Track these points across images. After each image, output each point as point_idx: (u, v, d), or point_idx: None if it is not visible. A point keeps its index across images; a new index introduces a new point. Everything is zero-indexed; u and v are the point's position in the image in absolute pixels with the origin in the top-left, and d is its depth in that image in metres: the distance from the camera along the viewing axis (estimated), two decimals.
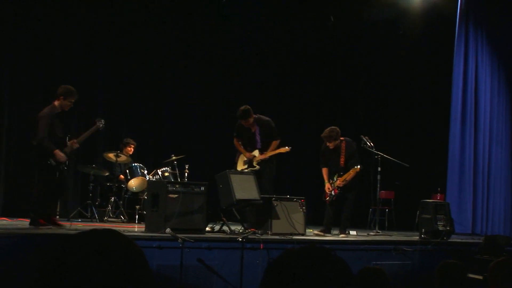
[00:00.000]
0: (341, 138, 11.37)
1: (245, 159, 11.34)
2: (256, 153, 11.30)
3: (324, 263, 1.94)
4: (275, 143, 11.30)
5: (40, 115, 9.90)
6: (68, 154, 10.01)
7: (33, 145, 9.89)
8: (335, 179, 11.27)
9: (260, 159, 11.22)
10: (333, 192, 11.23)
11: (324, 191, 11.44)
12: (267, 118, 11.47)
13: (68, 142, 10.16)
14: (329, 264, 1.95)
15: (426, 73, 15.53)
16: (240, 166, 11.39)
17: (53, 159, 9.79)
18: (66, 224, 10.14)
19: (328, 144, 11.31)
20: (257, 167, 11.20)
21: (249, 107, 11.26)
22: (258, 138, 11.34)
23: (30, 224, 9.65)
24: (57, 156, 9.80)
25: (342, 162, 11.28)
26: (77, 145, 10.18)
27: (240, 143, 11.50)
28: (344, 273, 1.97)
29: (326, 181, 11.39)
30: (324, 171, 11.47)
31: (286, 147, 11.29)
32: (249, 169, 11.20)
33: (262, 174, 11.16)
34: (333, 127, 11.38)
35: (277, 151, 11.31)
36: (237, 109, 11.23)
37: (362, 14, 16.24)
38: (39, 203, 9.87)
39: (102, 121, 10.53)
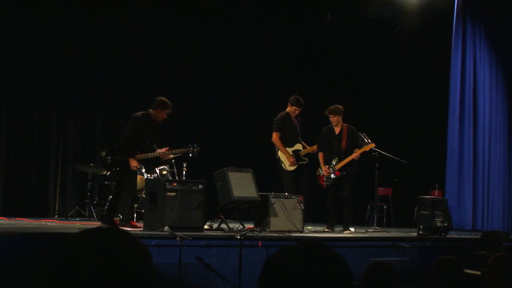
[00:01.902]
0: (344, 125, 11.47)
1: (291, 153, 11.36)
2: (299, 146, 11.40)
3: (321, 259, 1.94)
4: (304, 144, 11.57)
5: (132, 117, 10.23)
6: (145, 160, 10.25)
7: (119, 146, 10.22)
8: (334, 163, 11.35)
9: (306, 153, 11.39)
10: (333, 175, 11.29)
11: (317, 175, 11.54)
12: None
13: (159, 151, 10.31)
14: (327, 260, 1.95)
15: (424, 69, 15.54)
16: (287, 163, 11.38)
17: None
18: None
19: (332, 118, 11.37)
20: (306, 160, 11.37)
21: None
22: (299, 131, 11.48)
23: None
24: (131, 163, 9.98)
25: (343, 146, 11.39)
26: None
27: (280, 140, 11.46)
28: (342, 269, 1.97)
29: (322, 164, 11.44)
30: (321, 156, 11.53)
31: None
32: (298, 163, 11.30)
33: (304, 168, 11.37)
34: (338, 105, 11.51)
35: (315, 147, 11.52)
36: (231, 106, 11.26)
37: (359, 12, 16.24)
38: (123, 205, 10.09)
39: (195, 146, 10.57)
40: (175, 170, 13.01)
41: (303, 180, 11.44)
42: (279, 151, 11.44)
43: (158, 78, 15.33)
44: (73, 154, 14.47)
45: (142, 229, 9.73)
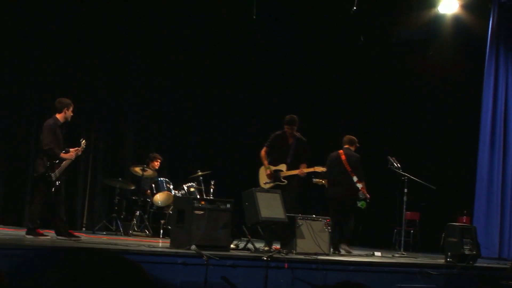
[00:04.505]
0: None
1: (268, 172, 11.27)
2: (283, 167, 11.25)
3: None
4: (303, 165, 11.26)
5: (44, 125, 10.16)
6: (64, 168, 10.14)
7: (40, 157, 10.13)
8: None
9: (288, 175, 11.20)
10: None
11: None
12: (305, 139, 11.49)
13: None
14: None
15: (456, 94, 15.45)
16: (264, 179, 11.31)
17: (54, 174, 9.97)
18: (50, 232, 10.17)
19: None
20: (285, 182, 11.16)
21: None
22: (291, 152, 11.33)
23: (27, 235, 9.80)
24: (66, 156, 10.13)
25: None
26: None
27: (266, 155, 11.44)
28: None
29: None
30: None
31: (322, 167, 11.33)
32: (275, 183, 11.15)
33: (287, 190, 11.13)
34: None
35: (313, 169, 11.33)
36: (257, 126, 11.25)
37: (391, 34, 16.21)
38: (36, 213, 10.03)
39: (84, 142, 10.57)
40: (203, 187, 13.06)
41: (287, 202, 11.17)
42: (261, 168, 11.42)
43: (187, 95, 15.38)
44: (102, 168, 14.57)
45: (48, 237, 9.83)
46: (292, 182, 11.21)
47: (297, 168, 11.19)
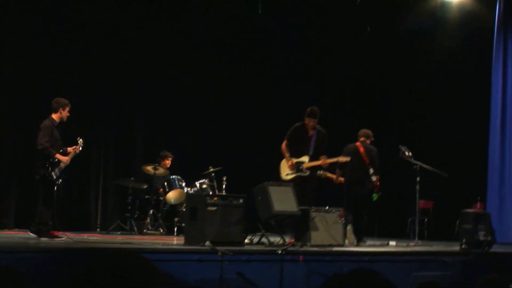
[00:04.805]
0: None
1: (290, 164, 11.30)
2: (305, 159, 11.32)
3: (371, 286, 1.93)
4: (324, 156, 11.36)
5: (41, 126, 10.19)
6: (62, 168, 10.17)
7: (39, 159, 10.15)
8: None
9: (310, 166, 11.26)
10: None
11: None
12: (325, 131, 11.54)
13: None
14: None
15: (465, 83, 15.37)
16: (285, 171, 11.35)
17: (54, 172, 9.99)
18: (65, 234, 10.14)
19: (308, 122, 11.38)
20: (307, 172, 11.23)
21: None
22: (312, 144, 11.38)
23: (41, 237, 9.84)
24: (61, 158, 10.12)
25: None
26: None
27: (287, 148, 11.45)
28: None
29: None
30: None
31: (346, 157, 11.41)
32: (297, 174, 11.19)
33: (308, 181, 11.23)
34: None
35: (337, 159, 11.43)
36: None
37: (398, 24, 16.14)
38: (45, 215, 10.04)
39: (81, 141, 10.58)
40: (215, 184, 13.08)
41: (305, 193, 11.27)
42: (283, 160, 11.45)
43: (196, 91, 15.37)
44: (114, 169, 14.61)
45: (64, 238, 9.86)
46: (314, 173, 11.38)
47: (317, 159, 11.29)
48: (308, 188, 11.23)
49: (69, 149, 10.42)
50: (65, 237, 9.97)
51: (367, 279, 1.97)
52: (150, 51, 14.94)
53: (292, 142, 11.48)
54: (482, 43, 14.84)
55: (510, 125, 14.21)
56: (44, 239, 9.75)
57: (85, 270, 1.87)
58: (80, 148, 10.53)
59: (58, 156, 10.11)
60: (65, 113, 10.36)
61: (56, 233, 10.03)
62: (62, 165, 10.16)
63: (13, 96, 13.40)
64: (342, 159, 11.50)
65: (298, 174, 11.24)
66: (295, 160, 11.32)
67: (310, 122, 11.37)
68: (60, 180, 10.19)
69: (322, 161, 11.38)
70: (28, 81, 13.45)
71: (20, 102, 13.44)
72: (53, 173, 10.01)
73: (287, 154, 11.42)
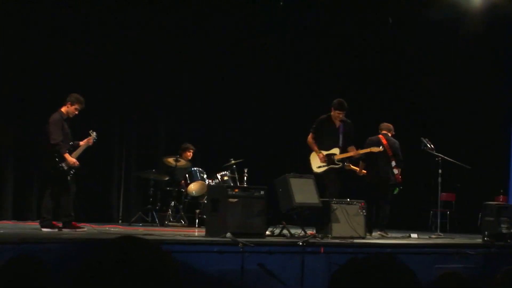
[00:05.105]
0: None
1: (322, 156, 11.27)
2: (336, 151, 11.28)
3: (389, 270, 1.92)
4: (352, 147, 11.35)
5: (50, 120, 10.08)
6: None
7: (47, 150, 10.10)
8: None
9: (342, 157, 11.26)
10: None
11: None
12: (351, 121, 11.52)
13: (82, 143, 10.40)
14: (394, 271, 1.93)
15: (487, 73, 15.27)
16: (317, 163, 11.31)
17: (65, 163, 9.97)
18: (87, 225, 10.19)
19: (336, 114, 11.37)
20: (340, 164, 11.21)
21: None
22: (341, 136, 11.36)
23: (64, 228, 9.84)
24: (69, 160, 10.00)
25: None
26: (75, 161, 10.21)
27: (314, 141, 11.42)
28: (410, 280, 1.95)
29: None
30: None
31: (379, 148, 11.40)
32: (330, 166, 11.17)
33: (341, 173, 11.24)
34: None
35: (370, 149, 11.41)
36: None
37: (420, 14, 16.04)
38: (66, 208, 10.04)
39: (94, 133, 10.51)
40: (236, 175, 13.09)
41: (335, 185, 11.26)
42: (312, 153, 11.40)
43: (216, 83, 15.39)
44: (136, 161, 14.67)
45: (85, 229, 9.93)
46: (344, 165, 11.31)
47: (346, 151, 11.27)
48: (339, 179, 11.25)
49: (81, 142, 10.40)
50: (87, 228, 10.02)
51: (383, 261, 1.95)
52: (168, 42, 14.97)
53: (319, 135, 11.43)
54: (505, 32, 14.72)
55: None
56: (66, 230, 9.79)
57: (93, 260, 1.86)
58: (93, 141, 10.49)
59: (67, 156, 10.03)
60: (71, 108, 10.20)
61: (78, 224, 10.08)
62: (70, 163, 10.09)
63: (11, 90, 13.42)
64: (375, 149, 11.47)
65: (330, 166, 11.22)
66: (325, 153, 11.29)
67: (339, 114, 11.33)
68: (73, 172, 10.14)
69: (354, 152, 11.36)
70: (25, 76, 13.49)
71: (18, 94, 13.49)
72: (63, 164, 9.99)
73: (315, 147, 11.36)
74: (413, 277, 1.98)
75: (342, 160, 11.32)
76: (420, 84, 16.50)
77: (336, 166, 11.22)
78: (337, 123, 11.41)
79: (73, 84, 13.21)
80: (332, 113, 11.40)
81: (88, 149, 10.51)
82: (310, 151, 11.50)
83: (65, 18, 13.80)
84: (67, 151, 10.10)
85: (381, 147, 11.52)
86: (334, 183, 11.20)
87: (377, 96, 16.54)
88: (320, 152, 11.27)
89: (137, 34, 14.59)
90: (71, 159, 10.08)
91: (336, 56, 16.50)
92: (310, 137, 11.45)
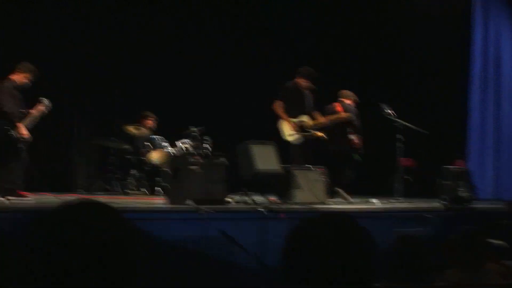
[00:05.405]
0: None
1: (293, 125, 11.25)
2: (305, 118, 11.29)
3: (344, 230, 1.95)
4: (317, 114, 11.41)
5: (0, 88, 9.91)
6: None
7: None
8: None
9: (313, 125, 11.29)
10: None
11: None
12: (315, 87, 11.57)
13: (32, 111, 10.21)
14: (350, 231, 1.96)
15: (444, 39, 15.33)
16: (288, 132, 11.28)
17: (15, 131, 9.84)
18: (31, 195, 10.10)
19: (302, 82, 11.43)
20: (310, 132, 11.22)
21: None
22: (307, 103, 11.37)
23: (7, 196, 9.56)
24: (22, 131, 9.89)
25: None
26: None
27: (283, 108, 11.39)
28: (365, 239, 1.98)
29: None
30: None
31: (347, 113, 11.47)
32: (302, 134, 11.18)
33: (312, 140, 11.28)
34: None
35: (337, 116, 11.47)
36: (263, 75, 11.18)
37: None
38: (13, 174, 9.91)
39: (46, 100, 10.37)
40: (198, 143, 13.04)
41: (309, 154, 11.32)
42: (281, 121, 11.38)
43: (175, 50, 15.25)
44: (94, 129, 14.53)
45: (30, 198, 9.85)
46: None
47: (313, 118, 11.30)
48: (312, 148, 11.33)
49: (32, 111, 10.24)
50: (31, 197, 9.90)
51: (336, 220, 1.98)
52: (131, 11, 14.81)
53: (287, 102, 11.40)
54: (462, 2, 14.80)
55: (491, 83, 14.28)
56: (11, 198, 9.53)
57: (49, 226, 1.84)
58: (47, 109, 10.33)
59: (20, 126, 9.88)
60: (21, 76, 10.07)
61: (24, 193, 9.93)
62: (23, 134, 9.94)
63: None
64: (343, 115, 11.56)
65: (304, 134, 11.23)
66: (295, 120, 11.28)
67: (306, 83, 11.34)
68: (23, 140, 9.97)
69: (326, 119, 11.42)
70: None
71: None
72: (13, 132, 9.83)
73: (285, 116, 11.31)
74: (366, 234, 2.00)
75: (313, 127, 11.35)
76: (376, 50, 16.54)
77: (307, 133, 11.25)
78: (304, 91, 11.42)
79: (32, 51, 13.07)
80: (298, 80, 11.39)
81: (48, 117, 10.38)
82: (273, 117, 11.50)
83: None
84: (19, 120, 9.93)
85: (349, 114, 11.61)
86: (308, 152, 11.26)
87: (334, 62, 16.51)
88: (292, 121, 11.26)
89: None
90: (24, 130, 9.92)
91: (300, 18, 16.46)
92: (277, 105, 11.40)
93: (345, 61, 16.49)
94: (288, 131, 11.28)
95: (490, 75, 14.35)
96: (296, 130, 11.21)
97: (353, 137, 11.90)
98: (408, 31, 16.13)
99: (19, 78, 10.06)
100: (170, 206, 9.17)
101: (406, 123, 12.22)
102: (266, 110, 11.68)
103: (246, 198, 10.19)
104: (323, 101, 12.24)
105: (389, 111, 12.21)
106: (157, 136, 13.50)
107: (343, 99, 12.19)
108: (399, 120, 12.17)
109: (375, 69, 16.50)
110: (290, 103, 11.36)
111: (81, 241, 1.79)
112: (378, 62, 16.55)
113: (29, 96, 10.37)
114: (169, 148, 13.20)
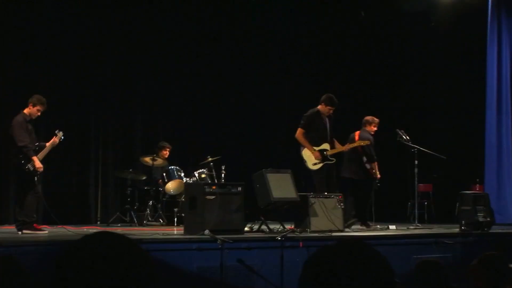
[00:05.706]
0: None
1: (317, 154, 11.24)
2: (326, 146, 11.27)
3: (361, 257, 1.93)
4: (336, 142, 11.45)
5: (14, 123, 10.07)
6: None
7: (13, 152, 10.12)
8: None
9: (333, 153, 11.30)
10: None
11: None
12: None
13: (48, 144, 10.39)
14: (366, 258, 1.94)
15: (460, 63, 15.34)
16: (312, 160, 11.26)
17: (31, 164, 9.95)
18: (48, 227, 10.24)
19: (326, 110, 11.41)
20: (333, 160, 11.25)
21: None
22: (329, 130, 11.39)
23: (23, 230, 9.76)
24: (36, 164, 9.98)
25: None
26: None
27: (305, 136, 11.38)
28: (382, 266, 1.96)
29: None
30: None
31: (365, 141, 11.50)
32: (325, 162, 11.17)
33: (334, 168, 11.29)
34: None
35: (357, 143, 11.48)
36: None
37: (392, 7, 16.10)
38: (29, 208, 10.00)
39: (61, 133, 10.48)
40: (214, 173, 13.07)
41: (333, 180, 11.32)
42: (304, 149, 11.38)
43: (192, 80, 15.32)
44: (112, 161, 14.58)
45: (46, 231, 9.99)
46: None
47: (333, 145, 11.32)
48: (333, 173, 11.32)
49: (47, 143, 10.38)
50: (47, 231, 9.99)
51: (353, 247, 1.96)
52: (145, 41, 14.88)
53: (309, 130, 11.38)
54: (476, 22, 14.81)
55: (507, 104, 14.24)
56: (26, 231, 9.72)
57: (69, 256, 1.86)
58: (60, 140, 10.45)
59: (34, 159, 10.01)
60: (34, 110, 10.20)
61: (39, 226, 10.05)
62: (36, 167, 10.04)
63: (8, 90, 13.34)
64: (361, 143, 11.57)
65: (326, 162, 11.22)
66: (317, 149, 11.27)
67: (330, 110, 11.34)
68: (38, 173, 10.10)
69: (345, 147, 11.46)
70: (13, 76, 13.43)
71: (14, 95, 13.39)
72: (29, 165, 9.95)
73: (309, 144, 11.30)
74: (384, 261, 1.99)
75: (333, 155, 11.36)
76: (391, 77, 16.58)
77: (330, 162, 11.24)
78: (325, 119, 11.42)
79: (46, 83, 13.16)
80: (321, 108, 11.38)
81: (66, 149, 10.49)
82: (293, 145, 11.55)
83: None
84: (34, 153, 10.07)
85: (368, 141, 11.61)
86: (333, 178, 11.26)
87: (351, 89, 16.53)
88: (315, 151, 11.24)
89: (112, 30, 14.47)
90: (38, 163, 10.03)
91: (309, 51, 16.52)
92: (300, 133, 11.35)
93: (362, 87, 16.52)
94: (312, 160, 11.27)
95: (504, 96, 14.32)
96: (319, 159, 11.20)
97: (368, 166, 11.86)
98: (424, 58, 16.16)
99: (32, 111, 10.22)
100: (187, 236, 9.15)
101: (423, 148, 12.18)
102: (283, 138, 11.68)
103: (263, 227, 10.16)
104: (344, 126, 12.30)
105: (406, 137, 12.19)
106: (174, 167, 13.52)
107: (365, 127, 12.17)
108: (416, 146, 12.14)
109: (392, 94, 16.52)
110: (311, 131, 11.35)
111: (100, 273, 1.79)
112: (394, 88, 16.58)
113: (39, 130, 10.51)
114: (186, 178, 13.21)
